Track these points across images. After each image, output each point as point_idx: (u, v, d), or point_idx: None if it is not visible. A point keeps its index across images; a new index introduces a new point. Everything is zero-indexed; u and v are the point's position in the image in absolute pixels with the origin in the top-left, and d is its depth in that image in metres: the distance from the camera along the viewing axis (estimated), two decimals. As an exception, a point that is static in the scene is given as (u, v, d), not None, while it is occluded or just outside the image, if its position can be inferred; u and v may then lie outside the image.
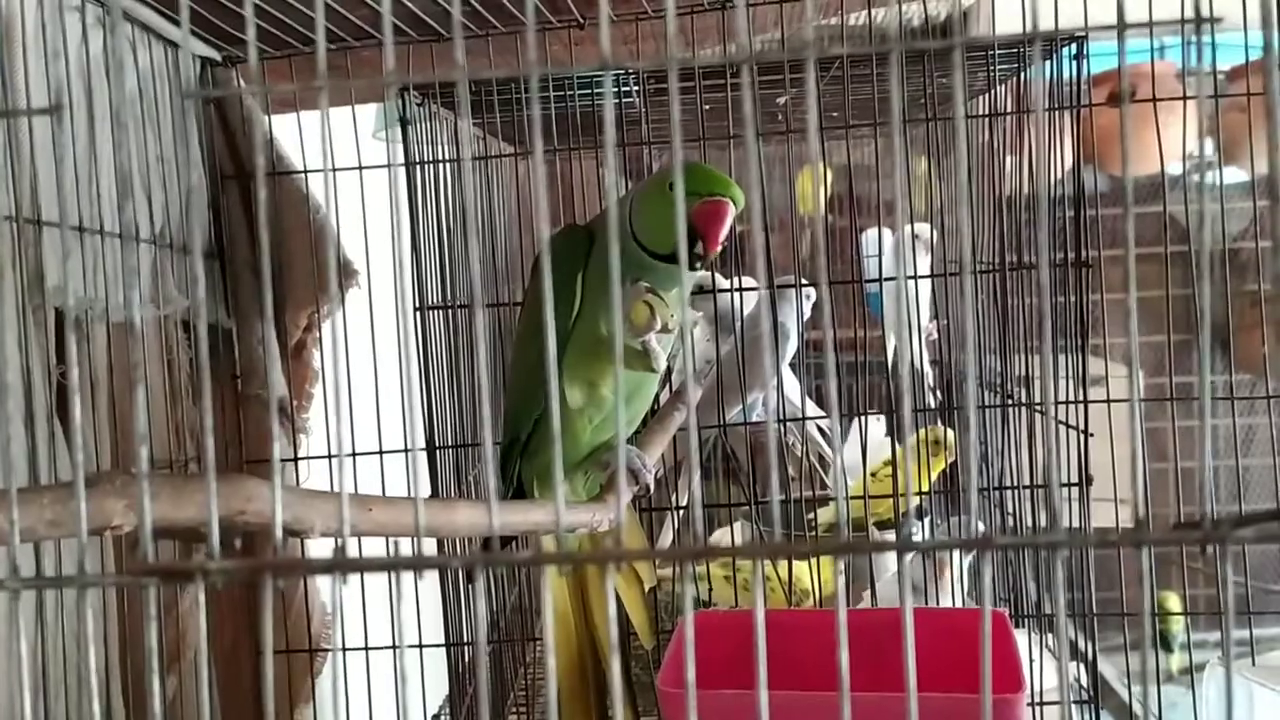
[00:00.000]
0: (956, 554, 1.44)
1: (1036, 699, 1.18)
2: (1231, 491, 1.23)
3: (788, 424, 1.27)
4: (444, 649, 1.22)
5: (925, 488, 1.54)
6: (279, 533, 0.47)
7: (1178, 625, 2.51)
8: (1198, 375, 0.44)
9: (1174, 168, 2.35)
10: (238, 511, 0.66)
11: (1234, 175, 2.31)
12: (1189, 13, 0.40)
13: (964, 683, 0.98)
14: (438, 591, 1.21)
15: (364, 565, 0.46)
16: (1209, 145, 1.91)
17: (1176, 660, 2.41)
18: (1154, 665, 1.21)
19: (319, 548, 1.23)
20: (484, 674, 0.49)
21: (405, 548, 1.07)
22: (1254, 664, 1.12)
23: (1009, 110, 1.29)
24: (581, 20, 1.22)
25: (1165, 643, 2.50)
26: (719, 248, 0.89)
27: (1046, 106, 1.25)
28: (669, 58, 0.43)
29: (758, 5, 1.19)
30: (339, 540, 0.47)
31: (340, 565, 0.45)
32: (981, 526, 1.31)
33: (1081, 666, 1.27)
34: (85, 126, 0.94)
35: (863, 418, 1.26)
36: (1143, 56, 1.30)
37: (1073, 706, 1.20)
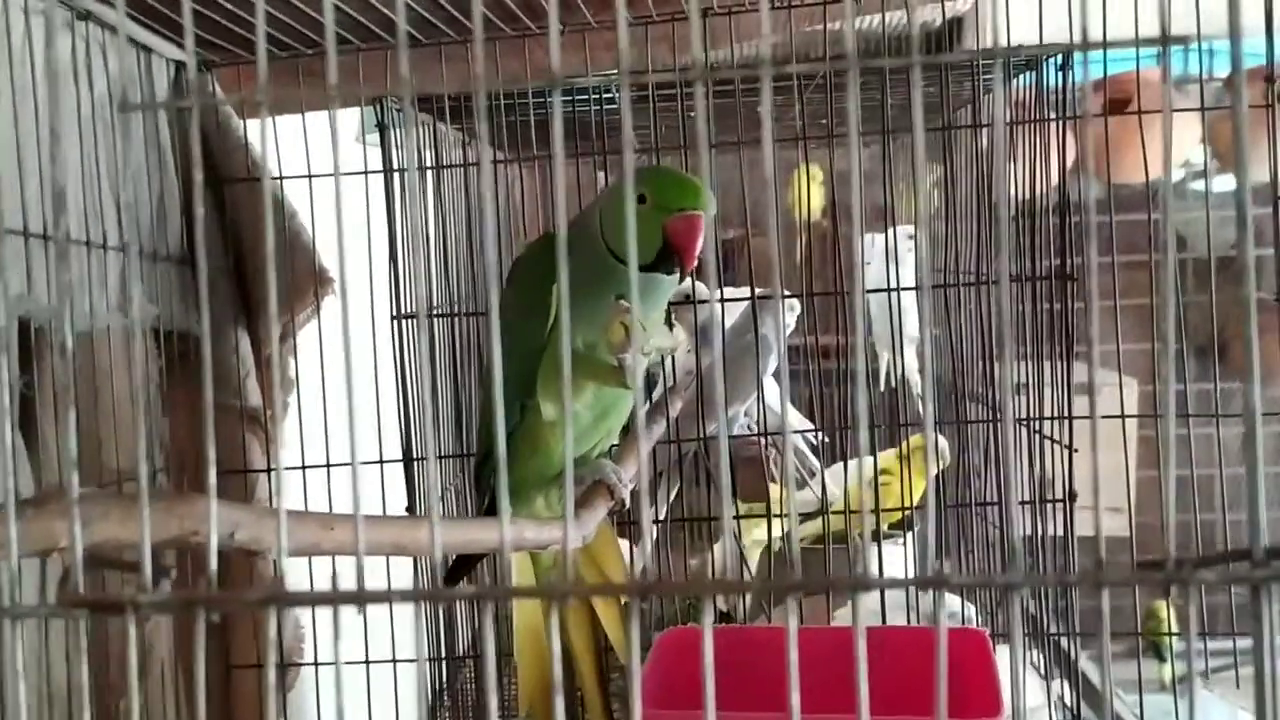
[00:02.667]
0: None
1: (1019, 719, 1.17)
2: (1221, 502, 1.22)
3: (769, 436, 1.25)
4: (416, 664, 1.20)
5: (917, 496, 1.53)
6: (214, 562, 0.45)
7: (1164, 640, 2.50)
8: (1213, 387, 0.42)
9: (1173, 176, 2.34)
10: (190, 532, 0.64)
11: (1227, 183, 2.30)
12: (1156, 31, 0.39)
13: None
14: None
15: (303, 599, 0.44)
16: (1200, 154, 1.90)
17: (1168, 670, 2.39)
18: (1110, 705, 1.19)
19: (294, 565, 1.21)
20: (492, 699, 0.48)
21: (378, 567, 1.06)
22: (1238, 686, 1.10)
23: (991, 121, 1.27)
24: (562, 26, 1.20)
25: (1157, 652, 2.49)
26: (695, 263, 0.88)
27: (1037, 118, 1.24)
28: (621, 71, 0.42)
29: (740, 12, 1.17)
30: (277, 571, 0.45)
31: (277, 599, 0.43)
32: (937, 564, 1.30)
33: (1066, 683, 1.25)
34: (48, 133, 0.92)
35: (845, 431, 1.24)
36: (1142, 63, 1.29)
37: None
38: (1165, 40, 0.36)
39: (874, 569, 1.36)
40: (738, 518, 1.26)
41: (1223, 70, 1.88)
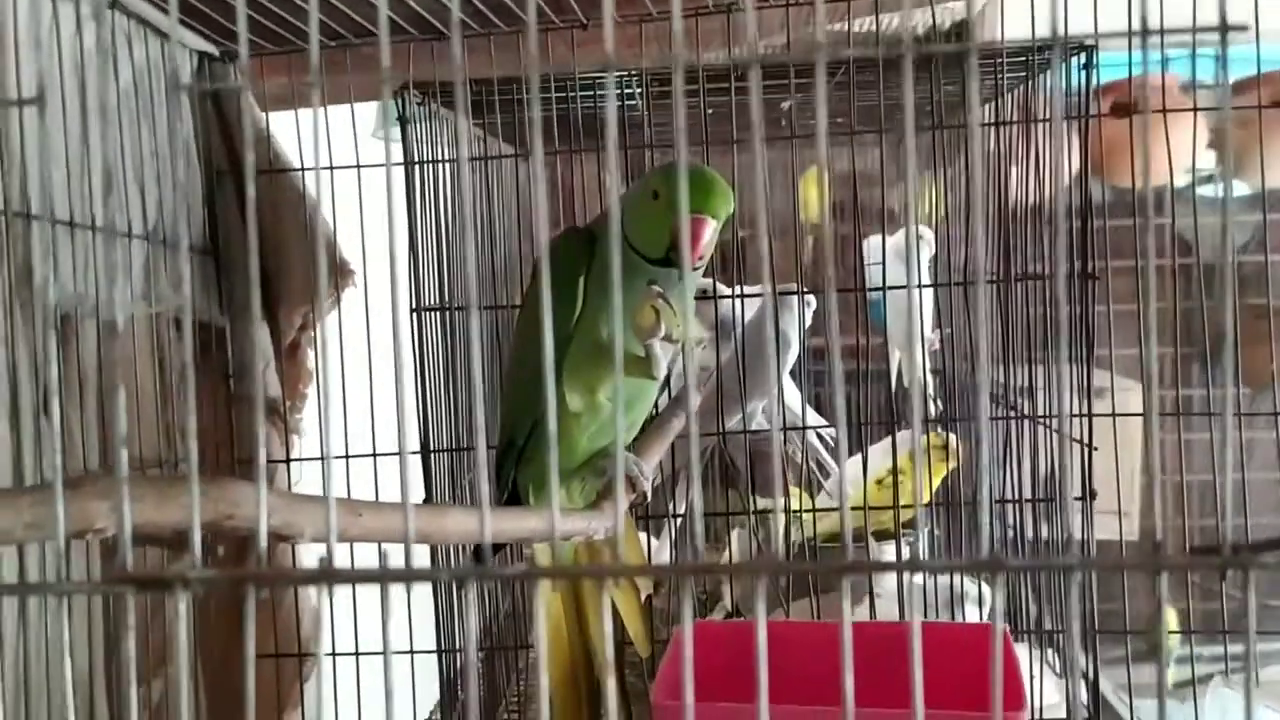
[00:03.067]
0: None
1: (1037, 716, 1.17)
2: (1234, 506, 1.22)
3: (788, 433, 1.25)
4: (436, 655, 1.20)
5: (929, 495, 1.53)
6: (263, 541, 0.45)
7: (1174, 639, 2.49)
8: (1208, 390, 0.42)
9: (1180, 180, 2.34)
10: (225, 516, 0.64)
11: (1238, 188, 2.30)
12: (1213, 20, 0.39)
13: (966, 700, 0.97)
14: (430, 596, 1.19)
15: (352, 577, 0.44)
16: (1214, 159, 1.90)
17: (1173, 673, 2.39)
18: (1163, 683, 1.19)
19: (309, 553, 1.21)
20: (474, 689, 0.48)
21: (396, 553, 1.06)
22: (1257, 683, 1.10)
23: (1015, 119, 1.28)
24: (585, 21, 1.20)
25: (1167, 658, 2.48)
26: (696, 263, 0.88)
27: (1040, 118, 1.24)
28: (674, 57, 0.42)
29: (764, 8, 1.17)
30: (327, 549, 0.45)
31: (328, 576, 0.44)
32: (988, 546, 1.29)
33: (1083, 684, 1.25)
34: (77, 119, 0.92)
35: (864, 427, 1.24)
36: (1151, 68, 1.28)
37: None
38: (1224, 29, 0.36)
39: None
40: (757, 513, 1.26)
41: (1234, 74, 1.88)
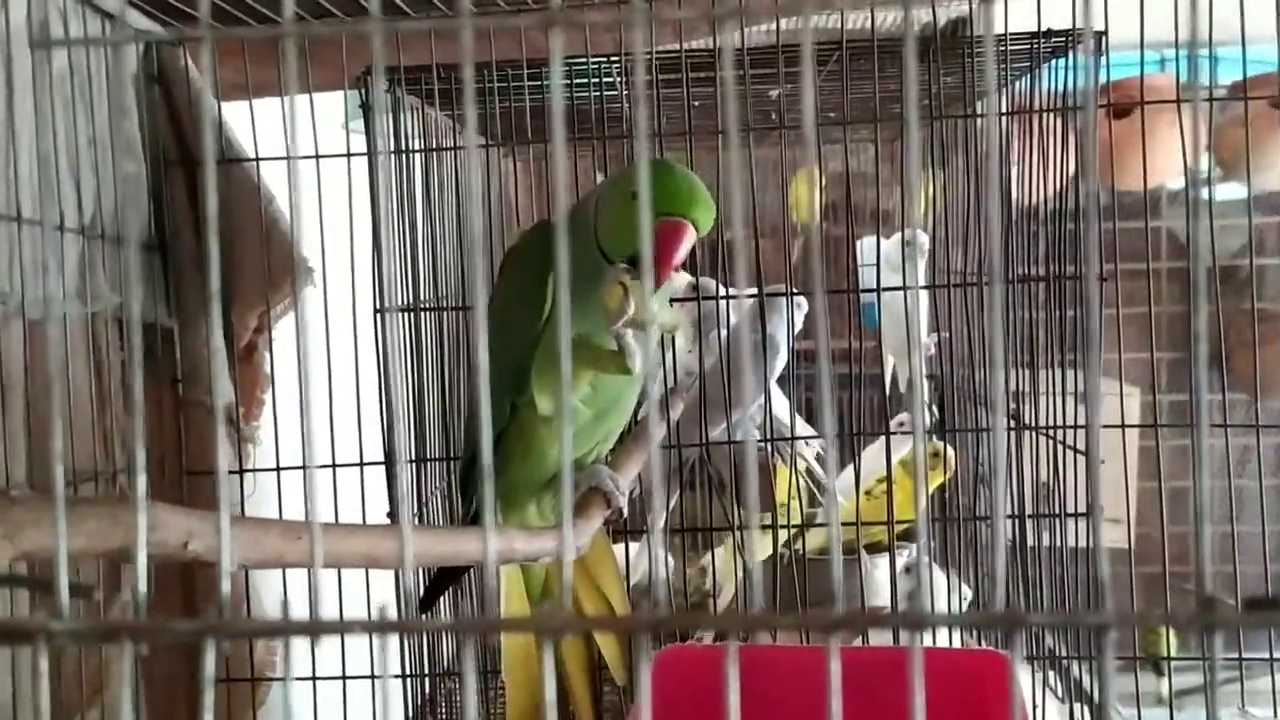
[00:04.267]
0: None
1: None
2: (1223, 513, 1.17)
3: (776, 444, 1.18)
4: (401, 679, 1.12)
5: (923, 506, 1.46)
6: (142, 584, 0.38)
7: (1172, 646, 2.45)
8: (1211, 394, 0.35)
9: (1172, 182, 2.28)
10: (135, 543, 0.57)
11: (1233, 191, 2.23)
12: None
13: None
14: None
15: (243, 630, 0.37)
16: (1205, 161, 1.84)
17: (1165, 684, 2.33)
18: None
19: (267, 588, 1.13)
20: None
21: (356, 575, 0.98)
22: (1243, 705, 1.04)
23: (1022, 108, 1.21)
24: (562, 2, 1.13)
25: (1155, 667, 2.43)
26: (671, 271, 0.81)
27: (1050, 108, 1.18)
28: (628, 13, 0.35)
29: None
30: (219, 602, 0.38)
31: (215, 629, 0.36)
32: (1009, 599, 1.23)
33: (1087, 709, 1.18)
34: (3, 102, 0.85)
35: (856, 438, 1.17)
36: (1143, 68, 1.23)
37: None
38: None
39: (884, 583, 1.29)
40: (743, 528, 1.18)
41: (1229, 77, 1.82)
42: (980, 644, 1.23)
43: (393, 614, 0.34)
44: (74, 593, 0.40)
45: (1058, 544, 1.15)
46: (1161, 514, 1.11)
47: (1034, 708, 1.08)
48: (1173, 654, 2.32)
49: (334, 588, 0.85)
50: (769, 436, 1.14)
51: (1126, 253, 1.23)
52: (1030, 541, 1.18)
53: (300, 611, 0.38)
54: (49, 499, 0.71)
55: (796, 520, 1.22)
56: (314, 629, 0.36)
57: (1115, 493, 1.14)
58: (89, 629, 0.37)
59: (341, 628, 0.36)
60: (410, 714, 1.16)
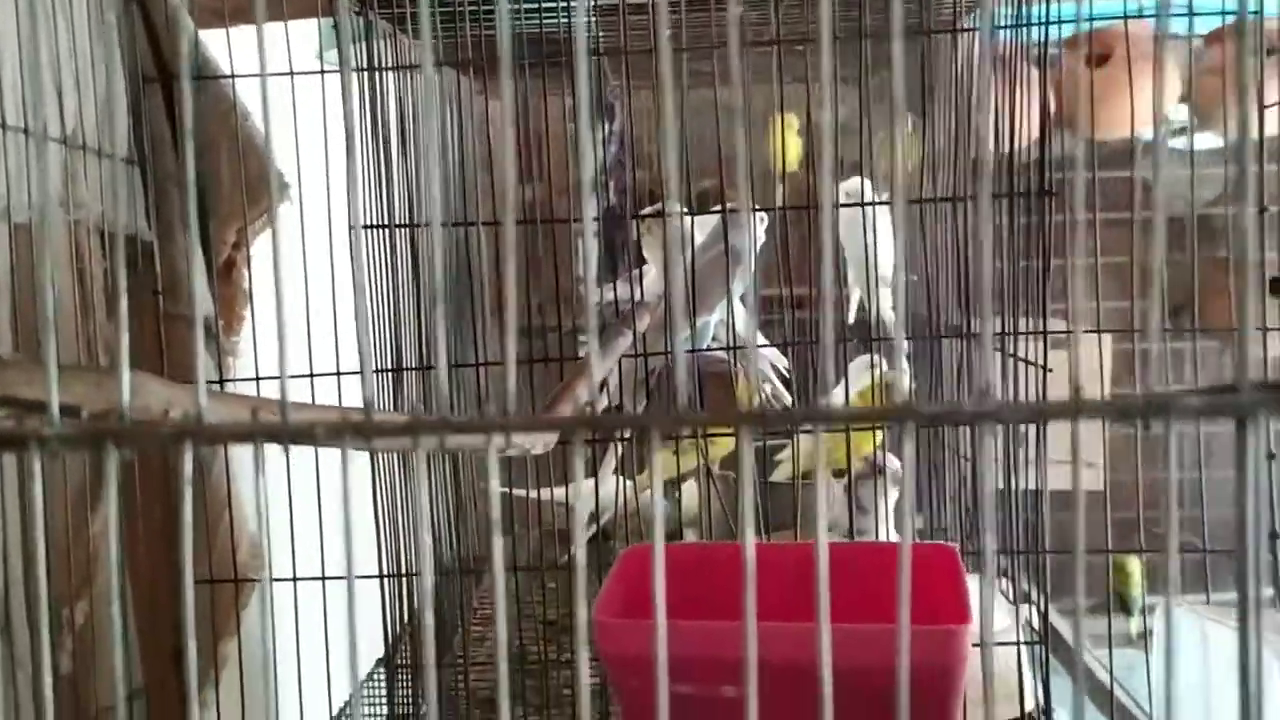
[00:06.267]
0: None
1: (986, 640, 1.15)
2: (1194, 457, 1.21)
3: (738, 356, 1.22)
4: (378, 580, 1.17)
5: (880, 440, 1.51)
6: (125, 395, 0.42)
7: (1137, 589, 2.51)
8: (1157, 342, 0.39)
9: (1147, 132, 2.31)
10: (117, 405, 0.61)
11: (1208, 141, 2.27)
12: None
13: (916, 616, 0.95)
14: (371, 516, 1.16)
15: (220, 434, 0.41)
16: (1179, 111, 1.87)
17: (1135, 624, 2.40)
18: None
19: (245, 470, 1.17)
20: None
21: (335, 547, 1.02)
22: (1208, 600, 1.09)
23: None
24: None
25: (1124, 606, 2.50)
26: None
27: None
28: None
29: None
30: (197, 410, 0.42)
31: (193, 432, 0.40)
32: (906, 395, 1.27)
33: (1034, 610, 1.23)
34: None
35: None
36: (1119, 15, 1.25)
37: (1022, 647, 1.17)
38: None
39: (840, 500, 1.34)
40: (705, 436, 1.23)
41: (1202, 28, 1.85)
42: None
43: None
44: (64, 412, 0.44)
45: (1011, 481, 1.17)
46: (1137, 459, 1.15)
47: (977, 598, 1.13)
48: (1141, 598, 2.39)
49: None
50: (732, 345, 1.19)
51: (1102, 202, 1.27)
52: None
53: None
54: (39, 361, 0.75)
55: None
56: (283, 433, 0.40)
57: (1090, 438, 1.17)
58: (77, 434, 0.41)
59: (311, 431, 0.40)
60: (390, 614, 1.20)
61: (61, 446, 0.41)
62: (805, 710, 0.44)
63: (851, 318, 1.72)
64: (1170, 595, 0.38)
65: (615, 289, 1.22)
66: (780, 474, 1.48)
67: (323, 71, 1.12)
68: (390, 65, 1.18)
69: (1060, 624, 1.49)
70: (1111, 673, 1.13)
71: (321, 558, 1.10)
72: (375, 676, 1.37)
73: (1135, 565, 2.44)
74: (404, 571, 1.17)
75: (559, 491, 1.40)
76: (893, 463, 1.45)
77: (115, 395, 0.63)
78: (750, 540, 0.39)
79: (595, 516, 1.49)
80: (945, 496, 1.46)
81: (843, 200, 1.35)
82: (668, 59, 0.41)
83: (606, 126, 1.60)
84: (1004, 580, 1.31)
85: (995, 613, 1.14)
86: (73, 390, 0.60)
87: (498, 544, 0.39)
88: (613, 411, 1.27)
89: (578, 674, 0.39)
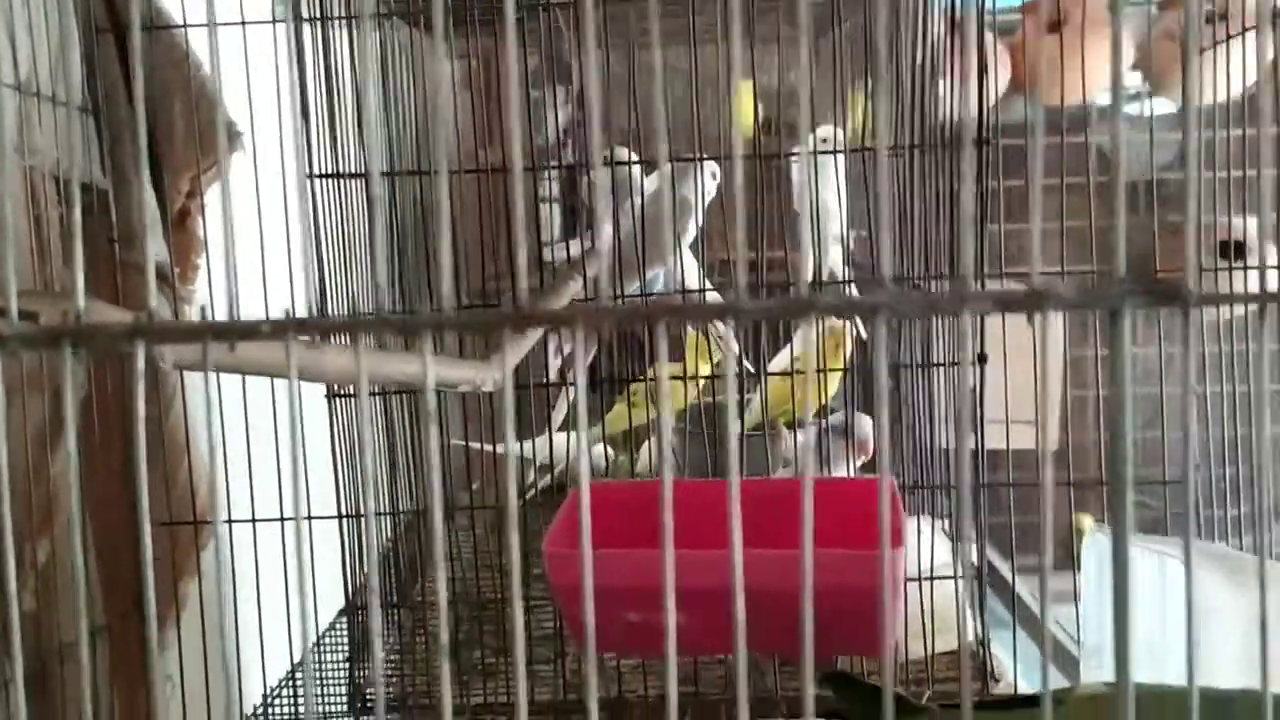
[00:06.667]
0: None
1: (926, 575, 1.20)
2: (1149, 419, 1.24)
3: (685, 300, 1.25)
4: (336, 520, 1.20)
5: (832, 391, 1.55)
6: (80, 301, 0.44)
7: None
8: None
9: (1103, 98, 2.36)
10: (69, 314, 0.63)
11: (1162, 106, 2.32)
12: None
13: (852, 543, 0.99)
14: (328, 458, 1.18)
15: (171, 332, 0.44)
16: (1132, 78, 1.91)
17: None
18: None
19: (197, 394, 1.19)
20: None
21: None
22: (1166, 533, 1.13)
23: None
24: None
25: (1077, 563, 2.56)
26: None
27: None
28: None
29: None
30: (151, 315, 0.44)
31: (144, 331, 0.43)
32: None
33: (973, 548, 1.28)
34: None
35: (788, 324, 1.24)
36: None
37: (960, 582, 1.22)
38: None
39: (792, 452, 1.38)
40: (653, 380, 1.26)
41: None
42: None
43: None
44: (22, 316, 0.46)
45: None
46: (1099, 421, 1.19)
47: (918, 536, 1.18)
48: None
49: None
50: (682, 290, 1.22)
51: (1052, 168, 1.30)
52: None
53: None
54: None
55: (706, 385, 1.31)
56: (230, 330, 0.43)
57: (1045, 397, 1.20)
58: (35, 333, 0.43)
59: (257, 328, 0.43)
60: (349, 554, 1.23)
61: (20, 345, 0.43)
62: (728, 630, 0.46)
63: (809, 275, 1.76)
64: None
65: (568, 247, 1.24)
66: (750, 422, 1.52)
67: (274, 21, 1.13)
68: (341, 14, 1.19)
69: (996, 559, 1.55)
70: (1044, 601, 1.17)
71: (279, 499, 1.13)
72: (337, 625, 1.40)
73: (1087, 521, 2.50)
74: (361, 512, 1.19)
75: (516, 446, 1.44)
76: (862, 429, 1.48)
77: (72, 308, 0.66)
78: (669, 468, 0.42)
79: (550, 468, 1.53)
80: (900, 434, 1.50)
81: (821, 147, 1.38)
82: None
83: (563, 90, 1.62)
84: (945, 521, 1.36)
85: (937, 550, 1.17)
86: (31, 302, 0.62)
87: (436, 467, 0.42)
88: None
89: (512, 613, 0.41)
